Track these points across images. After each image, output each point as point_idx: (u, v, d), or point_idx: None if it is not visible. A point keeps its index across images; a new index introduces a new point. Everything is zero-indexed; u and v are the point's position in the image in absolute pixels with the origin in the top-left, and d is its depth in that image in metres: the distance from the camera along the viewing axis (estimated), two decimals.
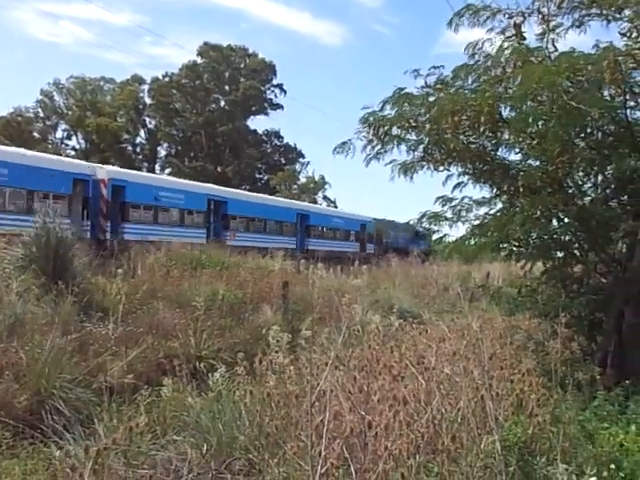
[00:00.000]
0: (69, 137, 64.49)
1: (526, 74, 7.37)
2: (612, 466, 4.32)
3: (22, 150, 24.89)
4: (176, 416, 6.19)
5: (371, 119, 8.62)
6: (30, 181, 21.54)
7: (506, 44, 8.14)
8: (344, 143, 8.94)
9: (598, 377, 6.76)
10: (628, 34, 7.60)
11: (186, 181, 34.06)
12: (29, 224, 19.54)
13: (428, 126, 8.44)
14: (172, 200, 28.12)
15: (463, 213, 8.88)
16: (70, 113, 62.51)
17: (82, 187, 23.81)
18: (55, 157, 28.82)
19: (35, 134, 60.89)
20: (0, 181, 20.83)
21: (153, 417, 6.02)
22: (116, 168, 29.59)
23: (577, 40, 8.21)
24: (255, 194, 41.18)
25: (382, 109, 8.63)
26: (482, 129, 8.15)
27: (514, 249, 9.22)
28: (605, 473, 4.18)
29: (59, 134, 64.56)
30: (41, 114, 62.84)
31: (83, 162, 28.00)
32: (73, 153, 59.50)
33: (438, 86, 8.59)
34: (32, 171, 21.55)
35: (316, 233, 40.25)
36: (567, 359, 6.25)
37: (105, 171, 25.74)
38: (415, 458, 3.71)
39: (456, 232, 9.24)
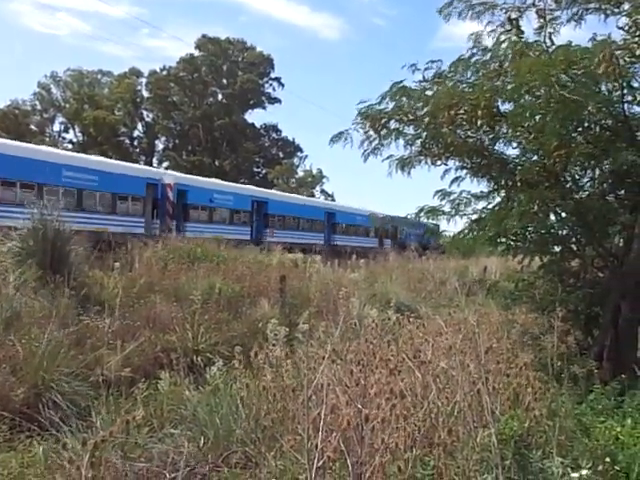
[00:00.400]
0: (66, 130, 64.35)
1: (518, 66, 7.37)
2: (607, 459, 4.34)
3: (107, 159, 30.87)
4: (173, 409, 6.19)
5: (369, 112, 8.62)
6: (114, 185, 25.11)
7: (503, 37, 8.13)
8: (341, 133, 8.95)
9: (595, 371, 6.79)
10: (626, 28, 7.59)
11: (234, 184, 37.75)
12: (113, 222, 23.02)
13: (426, 120, 8.43)
14: (223, 201, 31.62)
15: (461, 207, 8.88)
16: (67, 106, 62.25)
17: (153, 190, 27.12)
18: (132, 165, 32.72)
19: (32, 127, 60.69)
20: (92, 186, 24.19)
21: (150, 410, 6.02)
22: (180, 174, 33.59)
23: (575, 36, 8.20)
24: (290, 195, 44.98)
25: (380, 103, 8.62)
26: (479, 123, 8.13)
27: (511, 243, 9.24)
28: (600, 467, 4.20)
29: (56, 127, 64.52)
30: (38, 107, 62.59)
31: (153, 168, 33.43)
32: (70, 146, 59.32)
33: (436, 80, 8.58)
34: (115, 177, 25.21)
35: (341, 230, 43.32)
36: (563, 353, 6.26)
37: (171, 177, 29.60)
38: (411, 451, 3.73)
39: (454, 227, 9.26)
